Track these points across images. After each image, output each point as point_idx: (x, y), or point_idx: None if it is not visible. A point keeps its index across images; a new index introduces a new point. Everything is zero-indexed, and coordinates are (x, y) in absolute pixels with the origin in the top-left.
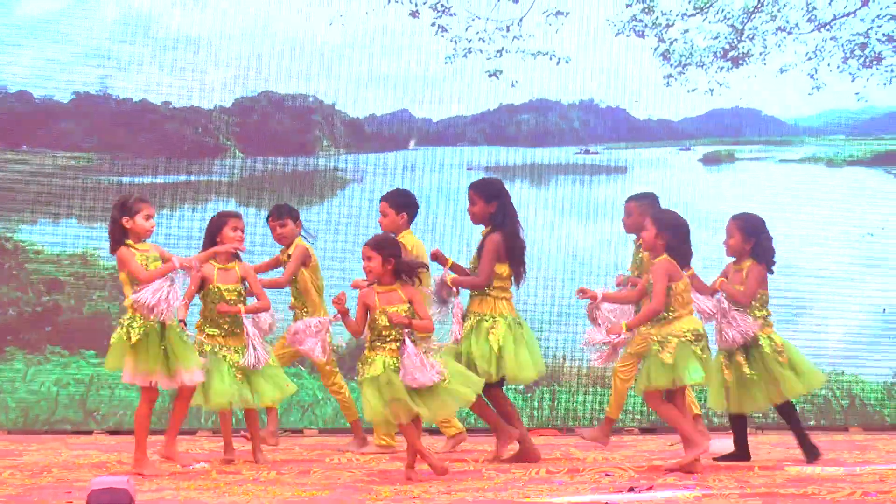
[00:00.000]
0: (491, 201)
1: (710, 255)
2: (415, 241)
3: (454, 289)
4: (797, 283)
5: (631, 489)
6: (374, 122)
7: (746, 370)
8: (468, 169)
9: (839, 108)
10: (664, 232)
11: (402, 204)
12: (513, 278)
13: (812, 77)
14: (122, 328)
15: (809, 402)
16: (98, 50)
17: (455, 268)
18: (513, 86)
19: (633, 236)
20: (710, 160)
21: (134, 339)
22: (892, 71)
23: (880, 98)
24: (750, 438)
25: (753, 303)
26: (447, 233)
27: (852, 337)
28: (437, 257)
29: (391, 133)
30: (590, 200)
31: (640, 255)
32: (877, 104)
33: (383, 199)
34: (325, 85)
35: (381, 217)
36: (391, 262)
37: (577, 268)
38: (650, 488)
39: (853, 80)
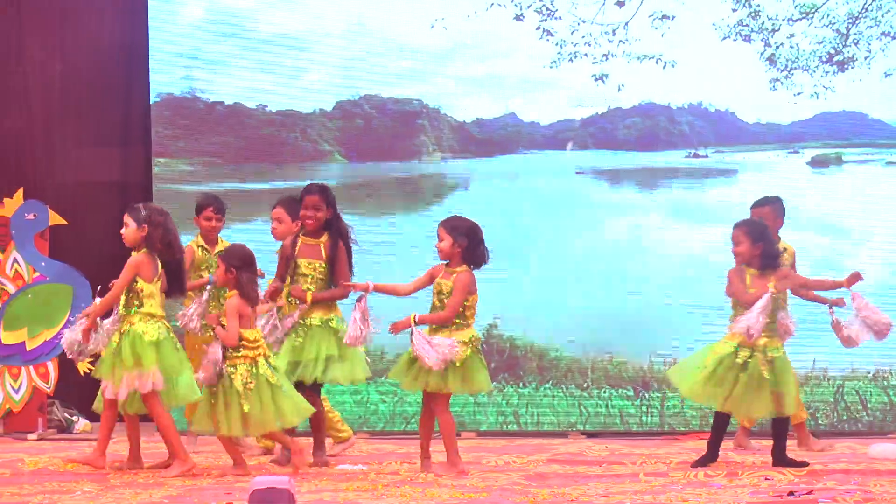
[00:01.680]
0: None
1: (818, 256)
2: None
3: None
4: None
5: (791, 493)
6: (481, 125)
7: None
8: (577, 173)
9: None
10: (460, 238)
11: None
12: None
13: None
14: None
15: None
16: (184, 49)
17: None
18: (619, 90)
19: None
20: (817, 163)
21: None
22: None
23: None
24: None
25: None
26: (552, 239)
27: None
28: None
29: (499, 137)
30: (700, 203)
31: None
32: None
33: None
34: (428, 88)
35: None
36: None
37: (687, 271)
38: (810, 492)
39: None
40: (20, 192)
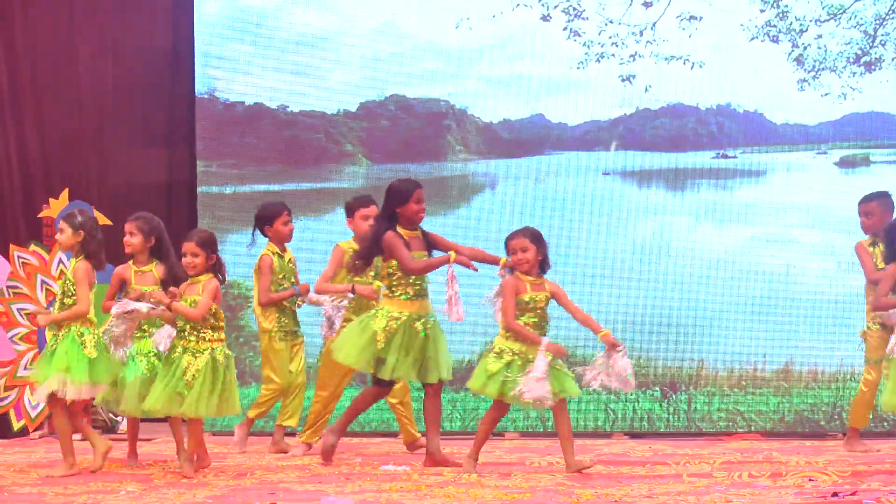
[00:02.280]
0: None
1: (846, 256)
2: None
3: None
4: None
5: (835, 494)
6: (508, 126)
7: None
8: (604, 174)
9: None
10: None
11: None
12: None
13: None
14: None
15: None
16: (201, 49)
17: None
18: (646, 91)
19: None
20: (845, 164)
21: None
22: None
23: None
24: None
25: None
26: (583, 239)
27: None
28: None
29: (526, 138)
30: (728, 204)
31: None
32: None
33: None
34: (454, 88)
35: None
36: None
37: (715, 272)
38: (854, 493)
39: None
40: (65, 192)
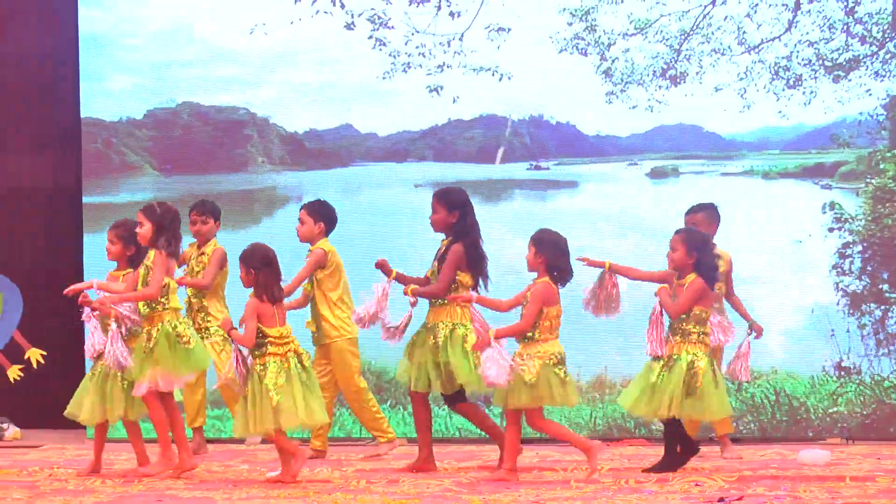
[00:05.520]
0: (453, 210)
1: (658, 265)
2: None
3: (413, 299)
4: (738, 289)
5: (721, 500)
6: (314, 136)
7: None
8: (416, 186)
9: (773, 125)
10: (544, 251)
11: (322, 215)
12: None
13: (742, 96)
14: None
15: (741, 401)
16: None
17: (399, 278)
18: (454, 101)
19: None
20: (656, 174)
21: None
22: (812, 92)
23: (803, 116)
24: (841, 449)
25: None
26: (396, 250)
27: (786, 336)
28: (382, 266)
29: (335, 148)
30: (543, 215)
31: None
32: (805, 122)
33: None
34: (253, 96)
35: (300, 225)
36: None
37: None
38: (740, 498)
39: (778, 100)
40: None
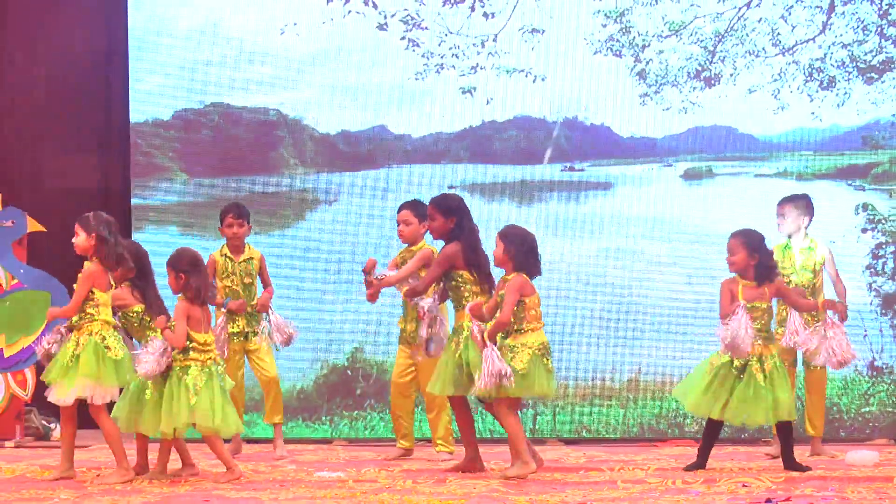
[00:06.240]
0: (450, 216)
1: (692, 266)
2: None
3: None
4: None
5: (768, 500)
6: (347, 138)
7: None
8: (450, 188)
9: (807, 126)
10: (511, 246)
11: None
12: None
13: (775, 97)
14: None
15: None
16: None
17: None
18: (487, 103)
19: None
20: (690, 176)
21: None
22: (846, 94)
23: (837, 118)
24: (889, 450)
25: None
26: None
27: None
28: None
29: (368, 150)
30: (576, 217)
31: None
32: (839, 123)
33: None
34: (285, 98)
35: (403, 226)
36: None
37: (565, 284)
38: (788, 499)
39: (811, 101)
40: None
